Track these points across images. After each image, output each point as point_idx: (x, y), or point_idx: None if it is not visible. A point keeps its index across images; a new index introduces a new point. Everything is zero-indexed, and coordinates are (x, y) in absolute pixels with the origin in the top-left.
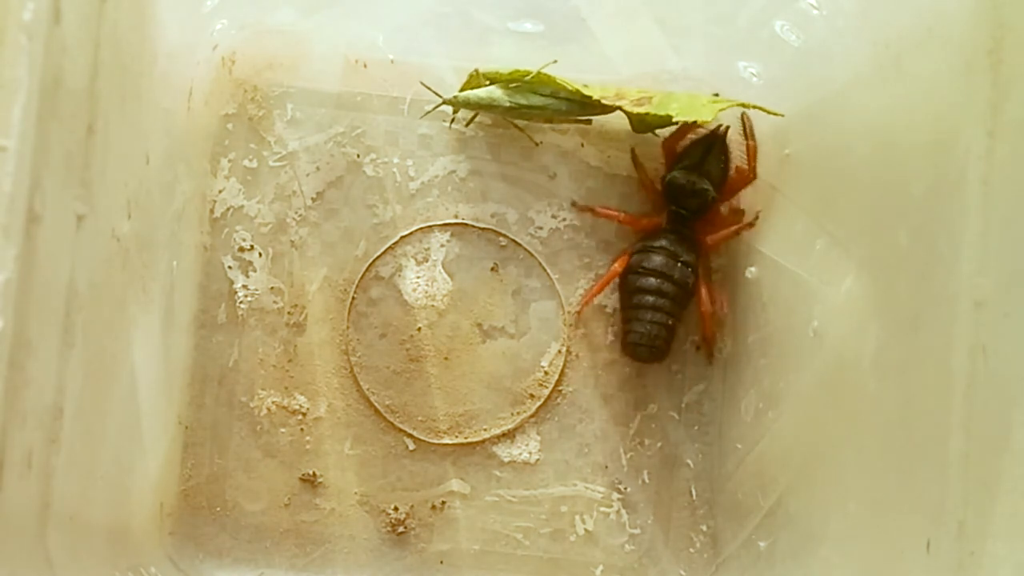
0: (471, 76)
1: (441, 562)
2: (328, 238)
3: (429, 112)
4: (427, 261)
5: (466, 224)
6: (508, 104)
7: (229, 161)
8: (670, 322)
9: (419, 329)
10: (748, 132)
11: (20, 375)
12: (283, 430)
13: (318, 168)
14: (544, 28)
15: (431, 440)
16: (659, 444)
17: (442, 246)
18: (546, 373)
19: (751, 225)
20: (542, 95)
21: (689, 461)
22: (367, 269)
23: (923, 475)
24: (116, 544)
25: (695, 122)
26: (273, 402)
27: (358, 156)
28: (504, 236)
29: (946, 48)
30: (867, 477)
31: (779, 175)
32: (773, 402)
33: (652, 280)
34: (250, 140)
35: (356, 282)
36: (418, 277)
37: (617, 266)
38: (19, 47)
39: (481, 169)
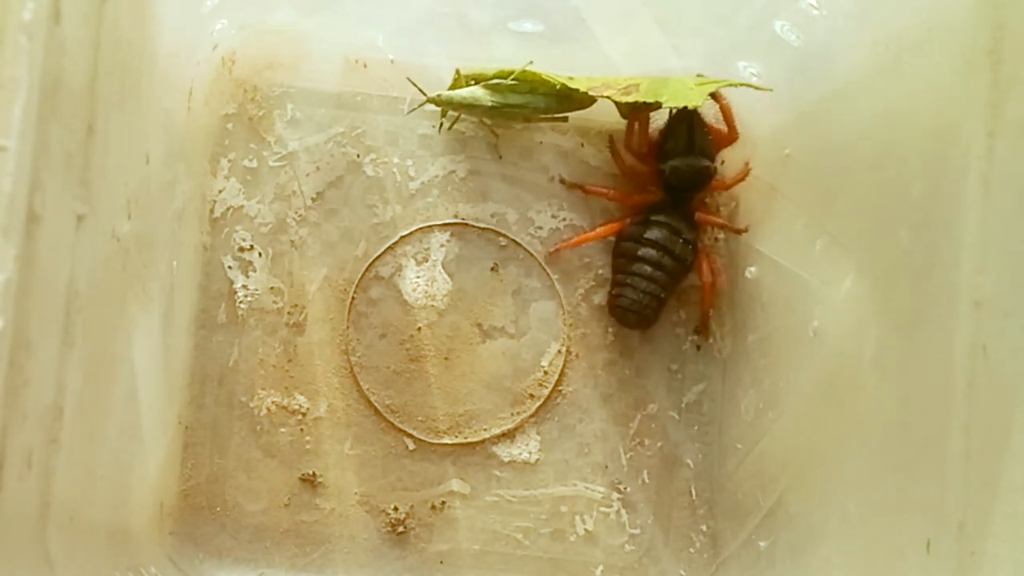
0: (455, 78)
1: (441, 562)
2: (328, 238)
3: (415, 109)
4: (427, 261)
5: (466, 224)
6: (490, 103)
7: (229, 161)
8: (662, 295)
9: (419, 329)
10: (715, 94)
11: (20, 375)
12: (283, 430)
13: (318, 168)
14: (544, 28)
15: (431, 440)
16: (659, 444)
17: (442, 246)
18: (546, 373)
19: (739, 231)
20: (520, 93)
21: (689, 461)
22: (367, 269)
23: (923, 475)
24: (116, 544)
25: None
26: (273, 402)
27: (358, 156)
28: (504, 236)
29: (946, 48)
30: (867, 477)
31: (779, 175)
32: (773, 402)
33: (653, 252)
34: (250, 140)
35: (356, 282)
36: (418, 277)
37: (602, 230)
38: (19, 47)
39: (481, 169)
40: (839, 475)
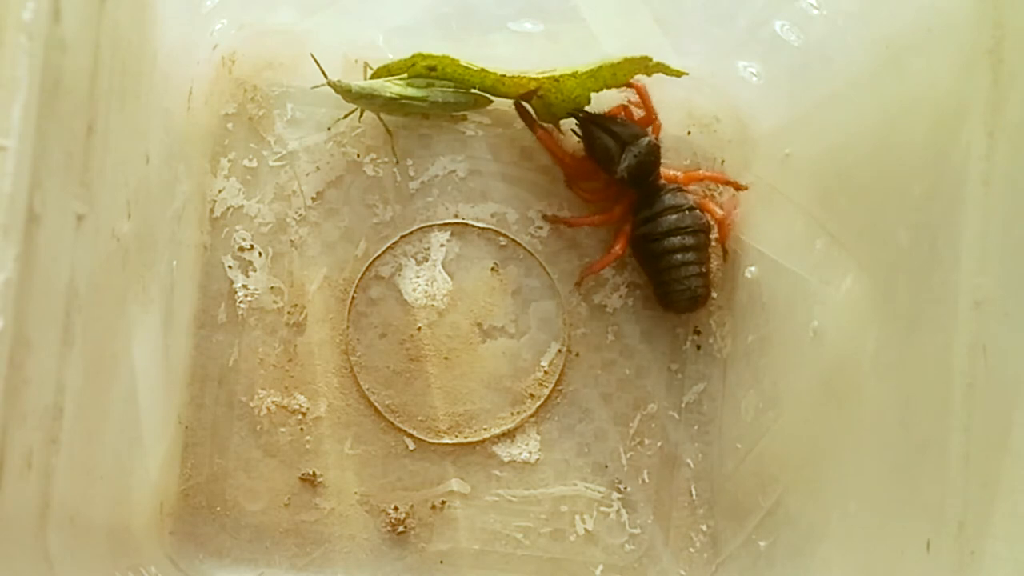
0: (374, 72)
1: (441, 562)
2: (328, 238)
3: (317, 87)
4: (427, 261)
5: (466, 224)
6: (388, 94)
7: (229, 161)
8: (703, 269)
9: (419, 329)
10: (638, 91)
11: (20, 375)
12: (283, 430)
13: (318, 168)
14: (544, 28)
15: (431, 440)
16: (659, 444)
17: (442, 246)
18: (546, 373)
19: (738, 187)
20: (418, 87)
21: (689, 461)
22: (367, 269)
23: (923, 475)
24: (116, 544)
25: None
26: (273, 402)
27: (358, 156)
28: (504, 236)
29: (946, 48)
30: (867, 477)
31: (779, 175)
32: (773, 402)
33: (673, 239)
34: (250, 140)
35: (356, 282)
36: (418, 277)
37: (619, 248)
38: (19, 47)
39: (481, 169)
40: (839, 475)
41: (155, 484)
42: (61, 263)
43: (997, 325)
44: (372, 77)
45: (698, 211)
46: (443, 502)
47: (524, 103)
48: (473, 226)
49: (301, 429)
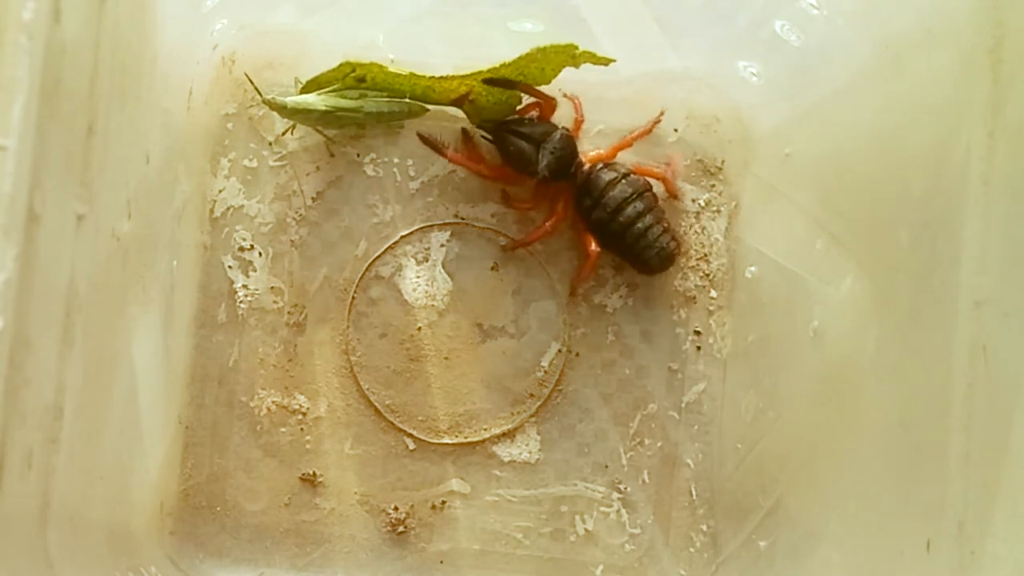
0: (303, 85)
1: (441, 562)
2: (328, 238)
3: (251, 107)
4: (427, 261)
5: (466, 224)
6: (323, 108)
7: (229, 161)
8: (665, 224)
9: (419, 329)
10: (522, 88)
11: (20, 375)
12: (283, 430)
13: (318, 168)
14: (544, 28)
15: (431, 440)
16: (659, 444)
17: (442, 246)
18: (546, 373)
19: (650, 129)
20: (351, 99)
21: (689, 461)
22: (367, 269)
23: (923, 475)
24: (116, 544)
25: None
26: (273, 402)
27: (358, 156)
28: (504, 236)
29: (946, 48)
30: (867, 477)
31: (779, 175)
32: (773, 402)
33: (627, 211)
34: (250, 140)
35: (356, 282)
36: (418, 277)
37: (549, 226)
38: (19, 47)
39: None
40: (839, 475)
41: (155, 484)
42: (61, 263)
43: (997, 325)
44: (303, 90)
45: (632, 175)
46: (443, 502)
47: (425, 134)
48: (473, 226)
49: (301, 429)
